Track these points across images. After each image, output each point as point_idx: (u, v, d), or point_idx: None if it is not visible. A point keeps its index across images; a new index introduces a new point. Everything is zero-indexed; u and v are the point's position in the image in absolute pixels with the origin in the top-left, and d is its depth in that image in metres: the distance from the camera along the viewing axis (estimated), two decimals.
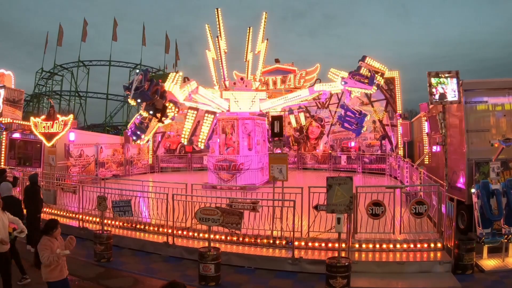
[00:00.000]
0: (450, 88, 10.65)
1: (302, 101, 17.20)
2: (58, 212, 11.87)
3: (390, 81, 22.30)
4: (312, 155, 24.02)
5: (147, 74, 12.19)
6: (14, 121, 17.92)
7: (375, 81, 13.34)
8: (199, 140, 13.64)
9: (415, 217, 8.28)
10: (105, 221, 9.59)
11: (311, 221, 8.46)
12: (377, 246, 8.03)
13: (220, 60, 16.41)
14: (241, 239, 8.72)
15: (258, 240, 8.59)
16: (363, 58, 13.87)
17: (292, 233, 8.02)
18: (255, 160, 15.91)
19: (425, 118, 15.47)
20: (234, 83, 16.86)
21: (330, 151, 23.46)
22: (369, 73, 13.24)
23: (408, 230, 8.40)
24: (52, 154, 14.12)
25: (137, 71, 13.07)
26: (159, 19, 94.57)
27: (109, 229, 9.54)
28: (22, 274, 7.18)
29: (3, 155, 17.11)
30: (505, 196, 7.90)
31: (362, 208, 8.19)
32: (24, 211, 9.54)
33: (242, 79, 17.22)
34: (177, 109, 13.29)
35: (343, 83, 13.62)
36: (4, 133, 17.32)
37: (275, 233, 8.62)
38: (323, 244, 8.25)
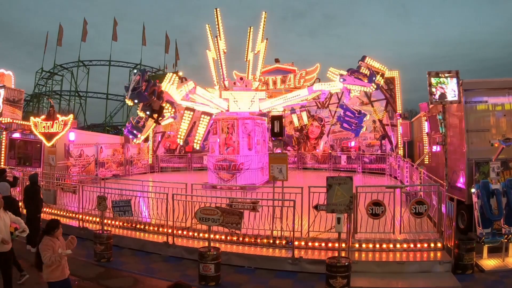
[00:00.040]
0: (450, 88, 10.65)
1: (302, 100, 17.18)
2: (58, 212, 11.87)
3: (390, 81, 22.31)
4: (312, 155, 24.02)
5: (145, 74, 12.24)
6: (14, 121, 17.92)
7: (374, 78, 13.30)
8: (195, 141, 13.68)
9: (415, 217, 8.28)
10: (105, 221, 9.59)
11: (311, 221, 8.46)
12: (377, 246, 8.03)
13: (219, 60, 16.41)
14: (241, 239, 8.72)
15: (258, 240, 8.59)
16: (363, 58, 13.87)
17: (292, 233, 8.02)
18: (255, 160, 15.91)
19: (425, 118, 15.48)
20: (234, 83, 16.86)
21: (330, 151, 23.47)
22: (368, 71, 13.23)
23: (408, 230, 8.40)
24: (52, 154, 14.13)
25: (135, 71, 13.08)
26: (159, 19, 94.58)
27: (109, 229, 9.54)
28: (19, 272, 7.17)
29: (3, 155, 17.11)
30: (505, 196, 7.90)
31: (362, 208, 8.19)
32: (24, 211, 9.57)
33: (241, 78, 17.22)
34: (173, 110, 13.36)
35: (341, 80, 13.60)
36: (4, 133, 17.32)
37: (275, 233, 8.62)
38: (323, 244, 8.25)
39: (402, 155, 20.34)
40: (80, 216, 10.83)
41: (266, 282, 7.34)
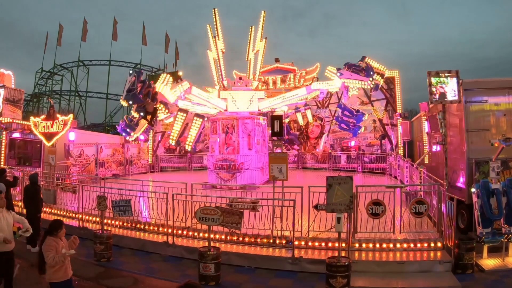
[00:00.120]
0: (450, 88, 10.65)
1: (301, 99, 17.20)
2: (58, 212, 11.87)
3: (390, 81, 22.30)
4: (312, 155, 24.02)
5: (140, 75, 12.35)
6: (14, 120, 17.91)
7: (372, 73, 13.26)
8: (187, 142, 13.75)
9: (415, 217, 8.28)
10: (105, 220, 9.58)
11: (311, 221, 8.46)
12: (377, 245, 8.03)
13: (218, 60, 16.42)
14: (241, 238, 8.72)
15: (258, 240, 8.59)
16: (362, 59, 13.88)
17: (292, 232, 8.02)
18: (255, 160, 15.91)
19: (425, 117, 15.47)
20: (234, 83, 16.88)
21: (330, 151, 23.46)
22: (366, 65, 13.19)
23: (408, 230, 8.39)
24: (52, 154, 14.13)
25: (131, 71, 13.20)
26: (159, 18, 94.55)
27: (109, 228, 9.54)
28: None
29: (3, 154, 17.12)
30: (505, 196, 7.89)
31: (362, 207, 8.19)
32: (24, 210, 9.57)
33: (241, 78, 17.22)
34: (167, 110, 13.46)
35: (338, 74, 13.58)
36: (4, 132, 17.32)
37: (275, 232, 8.62)
38: (323, 244, 8.25)
39: (402, 154, 20.34)
40: (80, 216, 10.82)
41: (266, 282, 7.34)
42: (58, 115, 15.28)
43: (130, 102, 12.42)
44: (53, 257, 5.04)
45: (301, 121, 21.55)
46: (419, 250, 7.93)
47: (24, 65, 62.85)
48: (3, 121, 17.44)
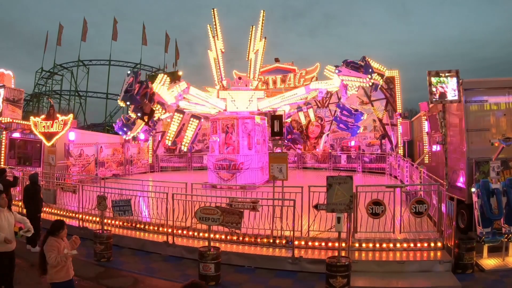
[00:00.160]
0: (450, 87, 10.65)
1: (301, 99, 17.20)
2: (58, 212, 11.87)
3: (390, 80, 22.31)
4: (312, 154, 24.02)
5: (138, 76, 12.43)
6: (14, 120, 17.92)
7: (370, 70, 13.21)
8: (183, 143, 13.81)
9: (415, 217, 8.27)
10: (105, 220, 9.58)
11: (311, 221, 8.46)
12: (377, 245, 8.03)
13: (217, 60, 16.44)
14: (241, 238, 8.72)
15: (258, 240, 8.59)
16: (362, 59, 13.86)
17: (292, 232, 8.01)
18: (255, 160, 15.91)
19: (425, 117, 15.46)
20: (234, 83, 16.89)
21: (330, 150, 23.46)
22: (364, 63, 13.17)
23: (408, 230, 8.39)
24: (52, 154, 14.13)
25: (128, 72, 13.28)
26: (159, 18, 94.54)
27: (109, 228, 9.55)
28: None
29: (3, 154, 17.12)
30: (505, 195, 7.89)
31: (362, 207, 8.18)
32: (24, 210, 9.57)
33: (240, 78, 17.23)
34: (164, 111, 13.54)
35: (337, 71, 13.55)
36: (4, 132, 17.32)
37: (275, 232, 8.62)
38: (323, 244, 8.25)
39: (402, 154, 20.35)
40: (80, 216, 10.82)
41: (266, 282, 7.34)
42: (58, 115, 15.28)
43: (128, 103, 12.52)
44: (55, 258, 5.02)
45: (303, 120, 21.50)
46: (419, 250, 7.93)
47: (24, 65, 62.90)
48: (3, 121, 17.45)
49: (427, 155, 15.29)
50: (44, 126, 14.98)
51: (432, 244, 8.00)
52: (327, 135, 24.09)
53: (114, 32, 45.23)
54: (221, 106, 16.10)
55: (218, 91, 16.22)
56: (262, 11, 16.66)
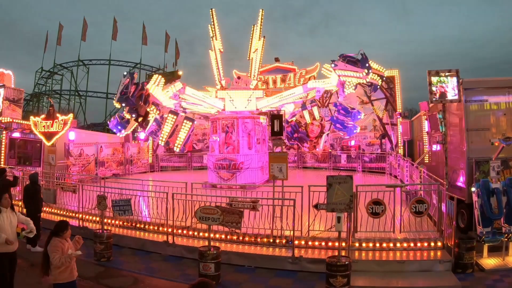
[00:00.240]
0: (450, 87, 10.64)
1: (300, 98, 17.18)
2: (58, 211, 11.87)
3: (390, 80, 22.30)
4: (312, 154, 24.01)
5: (134, 77, 12.54)
6: (14, 120, 17.91)
7: (367, 65, 13.12)
8: (175, 144, 13.87)
9: (415, 216, 8.27)
10: (105, 220, 9.59)
11: (311, 220, 8.46)
12: (377, 245, 8.03)
13: (216, 60, 16.44)
14: (241, 238, 8.72)
15: (258, 239, 8.59)
16: (359, 53, 13.77)
17: (292, 232, 8.01)
18: (255, 159, 15.90)
19: (425, 116, 15.46)
20: (234, 82, 16.90)
21: (330, 150, 23.45)
22: (361, 56, 13.10)
23: (408, 229, 8.39)
24: (52, 153, 14.11)
25: (125, 73, 13.38)
26: (159, 18, 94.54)
27: (109, 228, 9.55)
28: None
29: (3, 154, 17.11)
30: (505, 195, 7.89)
31: (362, 207, 8.18)
32: (24, 210, 9.56)
33: (239, 78, 17.23)
34: (158, 111, 13.65)
35: (333, 66, 13.48)
36: (4, 132, 17.31)
37: (275, 232, 8.62)
38: (323, 243, 8.25)
39: (402, 154, 20.34)
40: (80, 216, 10.82)
41: (266, 281, 7.34)
42: (58, 115, 15.24)
43: (123, 104, 12.67)
44: (59, 258, 4.99)
45: (308, 119, 21.39)
46: (419, 250, 7.93)
47: (24, 64, 62.94)
48: (3, 121, 17.44)
49: (427, 155, 15.29)
50: (44, 126, 14.95)
51: (432, 244, 8.00)
52: (327, 134, 24.07)
53: (114, 31, 45.25)
54: (219, 105, 16.10)
55: (217, 91, 16.24)
56: (260, 10, 16.65)
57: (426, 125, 15.49)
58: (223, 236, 8.86)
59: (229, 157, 15.78)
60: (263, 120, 16.96)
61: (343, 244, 7.39)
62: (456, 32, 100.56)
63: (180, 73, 22.34)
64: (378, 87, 15.51)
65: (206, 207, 7.59)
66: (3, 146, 17.18)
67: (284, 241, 8.39)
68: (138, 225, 10.10)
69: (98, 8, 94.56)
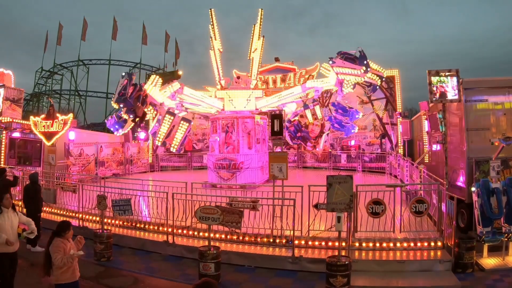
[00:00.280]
0: (450, 87, 10.63)
1: (300, 97, 17.19)
2: (58, 211, 11.87)
3: (390, 80, 22.28)
4: (312, 154, 24.00)
5: (132, 78, 12.62)
6: (14, 120, 17.91)
7: (365, 62, 13.07)
8: (172, 145, 13.94)
9: (415, 216, 8.27)
10: (105, 220, 9.59)
11: (311, 220, 8.46)
12: (377, 244, 8.03)
13: (215, 60, 16.45)
14: (241, 238, 8.72)
15: (258, 239, 8.59)
16: (357, 50, 13.74)
17: (292, 231, 8.01)
18: (255, 159, 15.90)
19: (425, 116, 15.46)
20: (234, 82, 16.90)
21: (330, 150, 23.45)
22: (359, 54, 13.07)
23: (408, 229, 8.39)
24: (52, 153, 14.11)
25: (123, 74, 13.47)
26: (159, 18, 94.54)
27: (109, 228, 9.55)
28: None
29: (3, 154, 17.11)
30: (505, 195, 7.89)
31: (362, 206, 8.18)
32: (24, 210, 9.56)
33: (239, 77, 17.24)
34: (155, 112, 13.74)
35: (330, 63, 13.45)
36: (4, 132, 17.31)
37: (275, 232, 8.62)
38: (323, 243, 8.25)
39: (402, 153, 20.34)
40: (80, 215, 10.82)
41: (266, 281, 7.34)
42: (58, 115, 15.24)
43: (121, 105, 12.75)
44: (61, 259, 4.98)
45: (310, 119, 21.33)
46: (419, 249, 7.93)
47: (24, 64, 63.02)
48: (3, 121, 17.44)
49: (427, 155, 15.29)
50: (44, 126, 14.95)
51: (432, 244, 8.00)
52: (327, 134, 24.06)
53: (114, 31, 45.26)
54: (218, 105, 16.11)
55: (216, 91, 16.27)
56: (260, 9, 16.65)
57: (426, 125, 15.49)
58: (223, 236, 8.86)
59: (229, 157, 15.78)
60: (259, 119, 16.91)
61: (343, 244, 7.39)
62: (456, 31, 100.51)
63: (180, 73, 22.37)
64: (377, 87, 15.50)
65: (206, 207, 7.59)
66: (3, 146, 17.18)
67: (284, 241, 8.39)
68: (138, 225, 10.11)
69: (98, 8, 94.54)
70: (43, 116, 15.55)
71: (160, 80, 13.94)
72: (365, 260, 7.63)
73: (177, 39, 49.63)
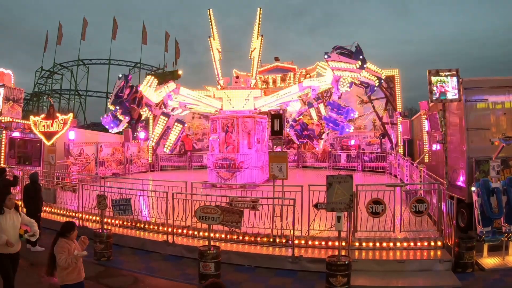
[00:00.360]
0: (450, 86, 10.63)
1: (300, 96, 17.18)
2: (58, 211, 11.87)
3: (390, 80, 22.26)
4: (312, 153, 24.00)
5: (129, 80, 12.69)
6: (14, 120, 17.91)
7: (361, 57, 12.96)
8: (165, 145, 14.01)
9: (415, 215, 8.26)
10: (105, 219, 9.59)
11: (311, 220, 8.45)
12: (377, 244, 8.03)
13: (213, 60, 16.46)
14: (241, 237, 8.71)
15: (258, 239, 8.59)
16: (353, 45, 13.68)
17: (292, 231, 8.00)
18: (255, 159, 15.90)
19: (425, 116, 15.45)
20: (234, 82, 16.90)
21: (330, 149, 23.44)
22: (355, 48, 12.98)
23: (408, 229, 8.39)
24: (51, 153, 14.11)
25: (120, 75, 13.54)
26: (159, 17, 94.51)
27: (109, 227, 9.54)
28: None
29: (3, 154, 17.10)
30: (505, 194, 7.89)
31: (362, 206, 8.18)
32: (24, 210, 9.56)
33: (238, 77, 17.25)
34: (150, 113, 13.87)
35: (326, 57, 13.35)
36: (4, 132, 17.31)
37: (275, 231, 8.62)
38: (323, 243, 8.25)
39: (402, 153, 20.32)
40: (80, 215, 10.82)
41: (266, 281, 7.34)
42: (58, 114, 15.26)
43: (117, 107, 12.89)
44: (65, 259, 4.97)
45: (315, 117, 21.22)
46: (419, 249, 7.93)
47: (24, 64, 63.10)
48: (3, 120, 17.44)
49: (427, 154, 15.29)
50: (44, 125, 14.96)
51: (432, 243, 8.00)
52: (327, 134, 24.04)
53: (114, 31, 45.28)
54: (216, 105, 16.11)
55: (214, 91, 16.30)
56: (258, 9, 16.63)
57: (426, 125, 15.48)
58: (223, 236, 8.85)
59: (229, 156, 15.78)
60: (259, 118, 16.92)
61: (343, 243, 7.39)
62: (456, 31, 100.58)
63: (180, 72, 22.40)
64: (375, 88, 15.42)
65: (206, 207, 7.58)
66: (3, 145, 17.17)
67: (284, 241, 8.39)
68: (138, 225, 10.10)
69: (98, 7, 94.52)
70: (43, 115, 15.56)
71: (156, 81, 14.08)
72: (365, 260, 7.63)
73: (177, 38, 49.71)
